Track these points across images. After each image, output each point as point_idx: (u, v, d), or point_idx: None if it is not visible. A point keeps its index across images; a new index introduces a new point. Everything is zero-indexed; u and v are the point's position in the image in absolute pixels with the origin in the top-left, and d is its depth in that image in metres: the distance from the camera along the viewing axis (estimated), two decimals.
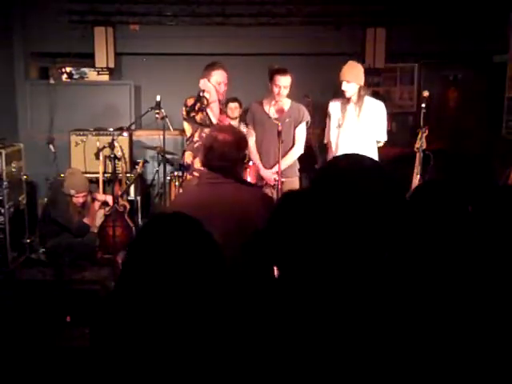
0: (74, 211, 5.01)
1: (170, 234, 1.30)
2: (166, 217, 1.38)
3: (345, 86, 4.34)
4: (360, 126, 4.39)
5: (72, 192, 4.95)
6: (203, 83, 4.30)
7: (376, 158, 4.51)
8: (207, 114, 4.26)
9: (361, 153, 4.59)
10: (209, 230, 1.34)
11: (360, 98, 4.37)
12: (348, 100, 4.40)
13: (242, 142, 2.59)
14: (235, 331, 1.26)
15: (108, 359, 1.24)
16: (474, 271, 1.42)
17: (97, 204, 5.31)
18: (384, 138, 4.53)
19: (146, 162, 5.85)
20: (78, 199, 5.01)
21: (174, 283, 1.24)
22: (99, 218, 5.25)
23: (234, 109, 5.78)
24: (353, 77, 4.33)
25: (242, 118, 5.50)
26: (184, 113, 4.28)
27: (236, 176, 2.54)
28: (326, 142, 4.65)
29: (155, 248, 1.27)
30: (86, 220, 5.12)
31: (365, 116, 4.39)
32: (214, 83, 4.30)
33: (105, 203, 5.28)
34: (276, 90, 4.37)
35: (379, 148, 4.53)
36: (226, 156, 2.46)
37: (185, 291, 1.24)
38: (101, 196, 5.32)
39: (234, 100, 5.77)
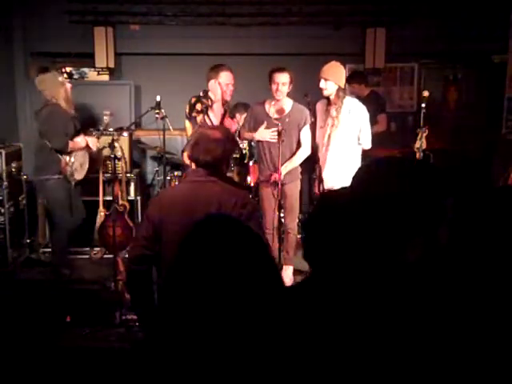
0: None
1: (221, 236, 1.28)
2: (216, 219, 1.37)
3: (322, 84, 4.30)
4: (339, 128, 4.32)
5: None
6: (212, 84, 4.31)
7: (358, 161, 4.44)
8: (209, 116, 4.26)
9: (339, 155, 4.52)
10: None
11: (338, 98, 4.30)
12: (330, 101, 4.35)
13: (228, 140, 2.62)
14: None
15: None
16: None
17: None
18: (368, 144, 4.45)
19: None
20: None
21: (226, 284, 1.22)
22: (99, 219, 5.24)
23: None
24: (331, 75, 4.27)
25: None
26: (187, 111, 4.29)
27: (221, 175, 2.58)
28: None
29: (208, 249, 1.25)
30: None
31: (343, 118, 4.32)
32: (222, 84, 4.30)
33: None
34: (274, 87, 4.37)
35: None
36: (210, 152, 2.52)
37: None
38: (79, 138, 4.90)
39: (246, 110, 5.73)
